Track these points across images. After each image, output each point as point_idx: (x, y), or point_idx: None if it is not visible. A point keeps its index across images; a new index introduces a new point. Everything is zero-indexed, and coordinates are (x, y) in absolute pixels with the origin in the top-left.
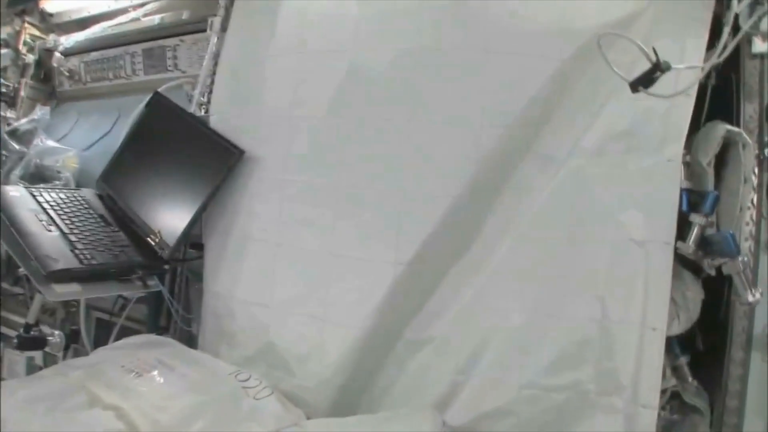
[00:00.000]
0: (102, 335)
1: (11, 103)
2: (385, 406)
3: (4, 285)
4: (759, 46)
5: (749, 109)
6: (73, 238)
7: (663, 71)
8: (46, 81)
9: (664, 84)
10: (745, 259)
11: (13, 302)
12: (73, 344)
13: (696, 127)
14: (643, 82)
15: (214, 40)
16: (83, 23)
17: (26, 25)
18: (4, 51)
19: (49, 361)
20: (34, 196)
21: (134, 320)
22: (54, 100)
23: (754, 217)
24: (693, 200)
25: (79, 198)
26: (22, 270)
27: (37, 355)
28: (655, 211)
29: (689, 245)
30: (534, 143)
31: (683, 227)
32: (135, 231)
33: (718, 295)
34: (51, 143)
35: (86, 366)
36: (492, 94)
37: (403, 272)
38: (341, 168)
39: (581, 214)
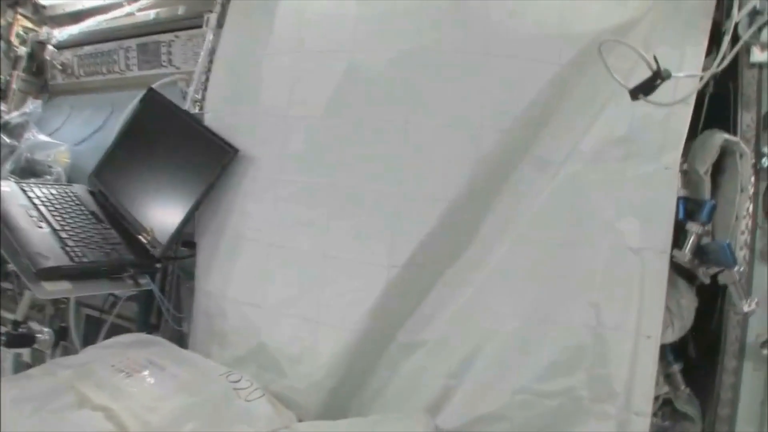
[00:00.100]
0: (91, 332)
1: (2, 95)
2: (377, 409)
3: None
4: (757, 55)
5: (747, 118)
6: (64, 235)
7: (664, 79)
8: (38, 74)
9: (662, 91)
10: (742, 269)
11: (1, 298)
12: (61, 341)
13: (693, 134)
14: (644, 89)
15: (209, 36)
16: (77, 16)
17: (18, 16)
18: None
19: (37, 358)
20: (24, 192)
21: (124, 318)
22: (46, 93)
23: (750, 226)
24: (689, 208)
25: (71, 194)
26: (11, 266)
27: (25, 352)
28: (652, 219)
29: (685, 254)
30: (532, 147)
31: (679, 235)
32: (127, 228)
33: (710, 302)
34: (42, 137)
35: (75, 365)
36: (491, 97)
37: (398, 275)
38: (337, 169)
39: (578, 220)
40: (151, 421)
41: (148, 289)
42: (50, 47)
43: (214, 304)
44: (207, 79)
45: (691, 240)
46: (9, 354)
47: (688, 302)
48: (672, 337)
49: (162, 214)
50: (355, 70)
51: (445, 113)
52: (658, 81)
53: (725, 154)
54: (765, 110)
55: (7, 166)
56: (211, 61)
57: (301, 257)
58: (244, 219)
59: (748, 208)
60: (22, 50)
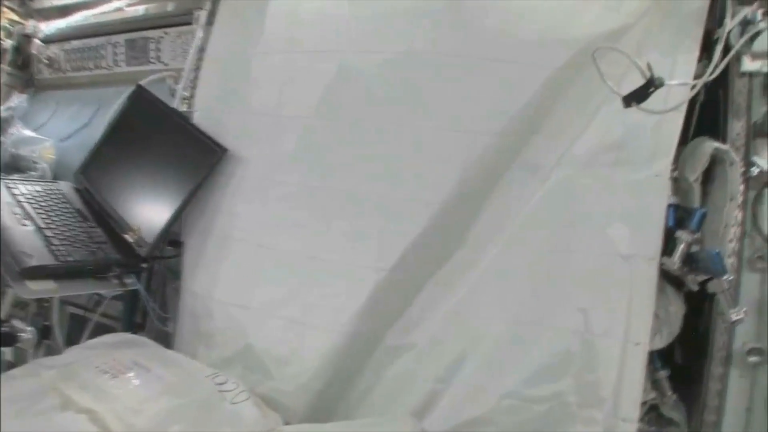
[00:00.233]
0: (75, 331)
1: None
2: (364, 412)
3: None
4: (748, 64)
5: (737, 127)
6: (48, 233)
7: (657, 87)
8: (24, 68)
9: (654, 98)
10: (731, 278)
11: None
12: (44, 340)
13: (683, 141)
14: (637, 97)
15: (199, 34)
16: (64, 10)
17: (4, 9)
18: None
19: (20, 357)
20: (9, 188)
21: (109, 316)
22: (32, 88)
23: (738, 234)
24: (679, 216)
25: (56, 191)
26: None
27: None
28: (642, 226)
29: (675, 261)
30: (524, 151)
31: (668, 242)
32: (113, 227)
33: (697, 308)
34: (27, 132)
35: (59, 366)
36: (483, 100)
37: (385, 278)
38: (327, 170)
39: (568, 225)
40: (135, 423)
41: (133, 289)
42: (37, 41)
43: (201, 305)
44: (196, 77)
45: (680, 248)
46: None
47: (677, 309)
48: (660, 343)
49: (149, 213)
50: (347, 71)
51: (436, 116)
52: (652, 89)
53: (715, 162)
54: (755, 119)
55: None
56: (200, 59)
57: (290, 259)
58: (232, 219)
59: (736, 217)
60: (8, 43)
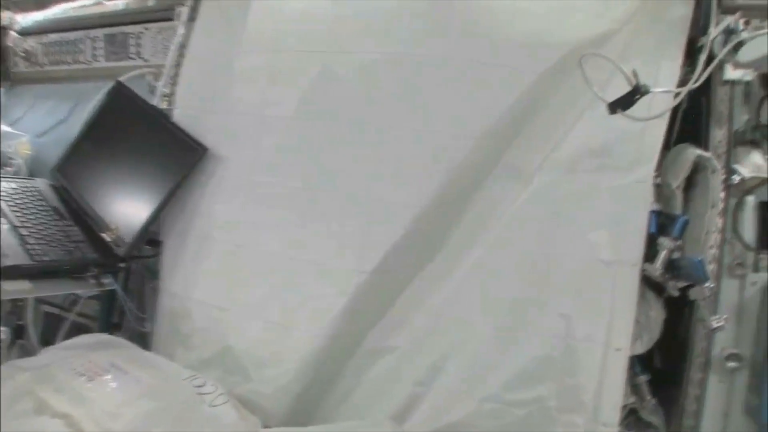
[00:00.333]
0: (50, 330)
1: None
2: (343, 415)
3: None
4: (730, 73)
5: (718, 134)
6: (24, 231)
7: (643, 94)
8: None
9: (638, 104)
10: (712, 285)
11: None
12: (18, 340)
13: (665, 147)
14: (622, 103)
15: (181, 30)
16: (41, 2)
17: None
18: None
19: None
20: None
21: (85, 316)
22: (8, 81)
23: (718, 241)
24: (661, 222)
25: (32, 188)
26: None
27: None
28: (624, 232)
29: (657, 268)
30: (505, 155)
31: (650, 248)
32: (90, 226)
33: (676, 313)
34: (3, 127)
35: (34, 368)
36: (465, 104)
37: (367, 280)
38: (308, 172)
39: (550, 230)
40: (113, 428)
41: (111, 289)
42: (13, 33)
43: (179, 305)
44: (177, 74)
45: (662, 254)
46: None
47: (657, 314)
48: (641, 348)
49: (127, 212)
50: (329, 72)
51: (419, 118)
52: (637, 96)
53: (697, 169)
54: (736, 127)
55: None
56: (181, 56)
57: (270, 260)
58: (212, 219)
59: (717, 223)
60: None
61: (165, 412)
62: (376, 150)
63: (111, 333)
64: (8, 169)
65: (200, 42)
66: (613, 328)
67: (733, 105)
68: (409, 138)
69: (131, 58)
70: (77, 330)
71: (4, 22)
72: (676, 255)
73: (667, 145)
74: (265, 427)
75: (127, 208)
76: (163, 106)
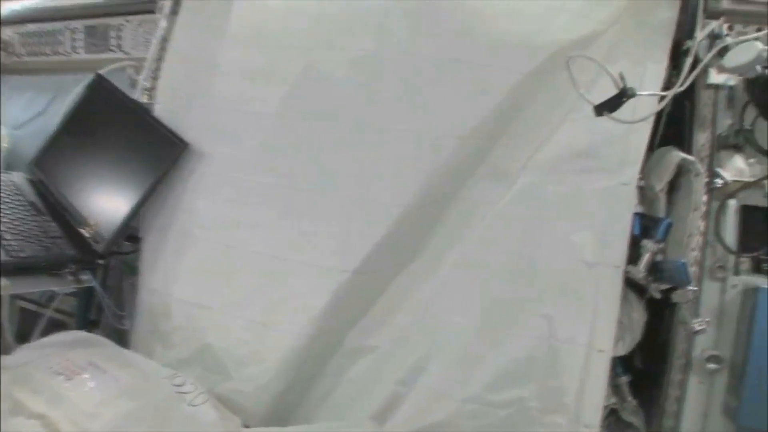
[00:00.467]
0: (26, 327)
1: None
2: (324, 415)
3: None
4: (714, 77)
5: (701, 138)
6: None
7: (629, 97)
8: None
9: (623, 107)
10: (695, 288)
11: None
12: None
13: (648, 150)
14: (609, 106)
15: (163, 23)
16: None
17: None
18: None
19: None
20: None
21: (62, 312)
22: None
23: (700, 243)
24: (645, 224)
25: (8, 182)
26: None
27: None
28: (608, 234)
29: (640, 270)
30: (489, 156)
31: (633, 249)
32: (68, 221)
33: (657, 314)
34: None
35: (9, 367)
36: (451, 103)
37: (348, 279)
38: (291, 170)
39: (533, 231)
40: (90, 428)
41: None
42: None
43: (159, 303)
44: (158, 68)
45: (646, 257)
46: None
47: (639, 316)
48: (623, 350)
49: (106, 208)
50: (313, 68)
51: (401, 119)
52: (624, 98)
53: (680, 172)
54: (719, 131)
55: None
56: (163, 49)
57: (251, 258)
58: (193, 216)
59: (699, 226)
60: None
61: (144, 411)
62: (359, 149)
63: (89, 330)
64: None
65: (183, 36)
66: (596, 330)
67: (716, 109)
68: (393, 137)
69: (112, 51)
70: (54, 326)
71: None
72: (659, 257)
73: (651, 148)
74: (245, 426)
75: (106, 204)
76: (144, 100)
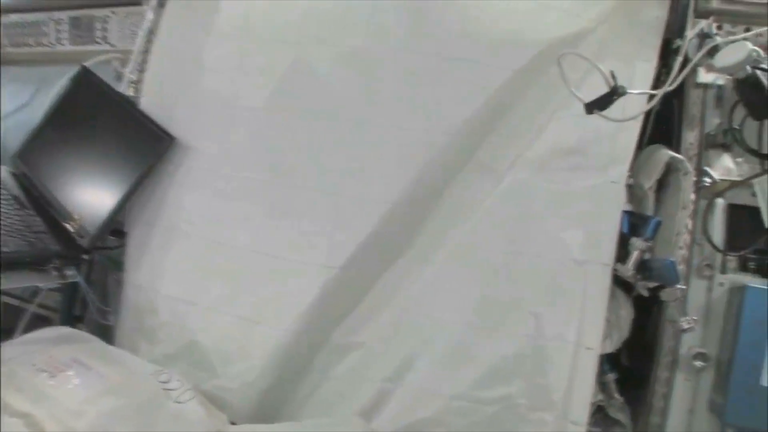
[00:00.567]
0: (9, 322)
1: None
2: (311, 412)
3: None
4: (703, 76)
5: (690, 137)
6: None
7: (620, 95)
8: None
9: (612, 105)
10: (684, 286)
11: None
12: None
13: (637, 148)
14: (600, 104)
15: (150, 16)
16: None
17: None
18: None
19: None
20: None
21: (46, 307)
22: None
23: (688, 242)
24: (633, 222)
25: None
26: None
27: None
28: (597, 232)
29: (628, 268)
30: (478, 153)
31: (621, 247)
32: (53, 216)
33: (644, 312)
34: None
35: None
36: (441, 100)
37: (335, 276)
38: (278, 165)
39: (522, 228)
40: (76, 427)
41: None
42: None
43: (144, 299)
44: (145, 61)
45: (634, 255)
46: None
47: (627, 313)
48: (610, 347)
49: (91, 202)
50: (302, 63)
51: (389, 116)
52: (615, 97)
53: (669, 170)
54: (708, 130)
55: None
56: (150, 42)
57: (238, 254)
58: (179, 211)
59: (687, 225)
60: None
61: (130, 409)
62: (347, 145)
63: (73, 326)
64: None
65: (170, 28)
66: (584, 328)
67: (705, 108)
68: (382, 133)
69: (97, 43)
70: (38, 322)
71: None
72: (647, 256)
73: (640, 146)
74: (232, 423)
75: (91, 198)
76: (130, 93)
